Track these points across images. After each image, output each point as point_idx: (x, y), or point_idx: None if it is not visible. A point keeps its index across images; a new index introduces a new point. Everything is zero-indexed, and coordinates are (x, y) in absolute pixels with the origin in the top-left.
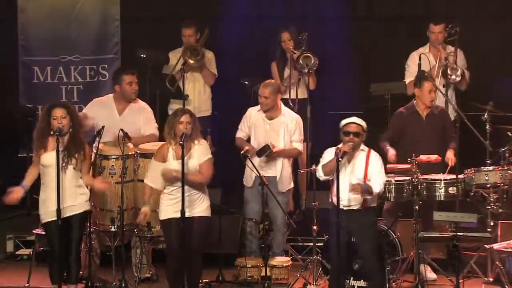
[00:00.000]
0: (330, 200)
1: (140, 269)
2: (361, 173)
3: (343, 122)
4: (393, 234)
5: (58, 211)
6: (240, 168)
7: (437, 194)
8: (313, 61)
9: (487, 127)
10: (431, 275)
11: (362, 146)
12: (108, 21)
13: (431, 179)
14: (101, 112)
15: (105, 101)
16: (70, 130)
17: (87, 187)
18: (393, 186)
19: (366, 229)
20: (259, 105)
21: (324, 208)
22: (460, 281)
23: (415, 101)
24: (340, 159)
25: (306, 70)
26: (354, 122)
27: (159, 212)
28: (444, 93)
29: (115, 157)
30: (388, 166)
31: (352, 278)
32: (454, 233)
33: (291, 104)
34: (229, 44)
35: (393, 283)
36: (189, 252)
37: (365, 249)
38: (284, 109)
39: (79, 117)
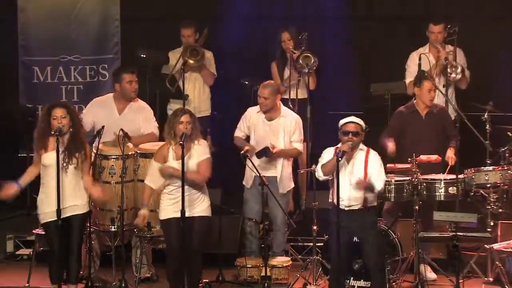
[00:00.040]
0: (330, 200)
1: (140, 269)
2: (361, 173)
3: (342, 121)
4: (393, 234)
5: (58, 211)
6: (240, 168)
7: (437, 194)
8: (312, 61)
9: (487, 127)
10: (431, 275)
11: (361, 146)
12: (108, 21)
13: (431, 179)
14: (101, 111)
15: (105, 100)
16: (70, 130)
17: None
18: (393, 186)
19: (368, 228)
20: (258, 106)
21: (324, 208)
22: (460, 281)
23: (415, 100)
24: (339, 159)
25: (306, 70)
26: (352, 121)
27: (159, 212)
28: (444, 93)
29: (115, 157)
30: (388, 166)
31: (352, 278)
32: (454, 233)
33: (290, 105)
34: (229, 44)
35: (393, 283)
36: (189, 252)
37: (368, 247)
38: (283, 109)
39: (79, 117)
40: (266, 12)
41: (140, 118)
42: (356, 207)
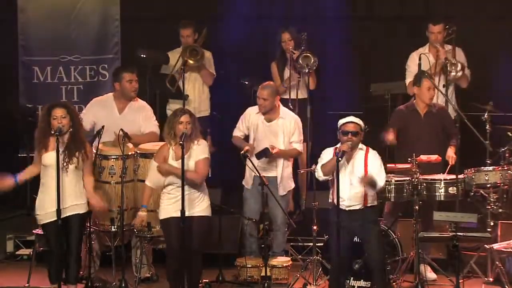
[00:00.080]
0: (330, 200)
1: (140, 269)
2: (361, 172)
3: (341, 121)
4: (393, 234)
5: (58, 211)
6: (240, 168)
7: (437, 194)
8: (312, 60)
9: (487, 127)
10: (431, 275)
11: (361, 145)
12: (108, 21)
13: (431, 179)
14: (101, 111)
15: (105, 100)
16: (71, 129)
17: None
18: (393, 186)
19: (369, 226)
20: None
21: (324, 208)
22: (460, 281)
23: (415, 100)
24: (339, 159)
25: (306, 70)
26: (352, 121)
27: (159, 212)
28: (444, 93)
29: (115, 157)
30: (388, 166)
31: (352, 278)
32: (454, 233)
33: (290, 105)
34: (229, 44)
35: (393, 283)
36: (189, 252)
37: (371, 245)
38: (282, 110)
39: (79, 117)
40: (266, 12)
41: (140, 117)
42: (356, 207)
